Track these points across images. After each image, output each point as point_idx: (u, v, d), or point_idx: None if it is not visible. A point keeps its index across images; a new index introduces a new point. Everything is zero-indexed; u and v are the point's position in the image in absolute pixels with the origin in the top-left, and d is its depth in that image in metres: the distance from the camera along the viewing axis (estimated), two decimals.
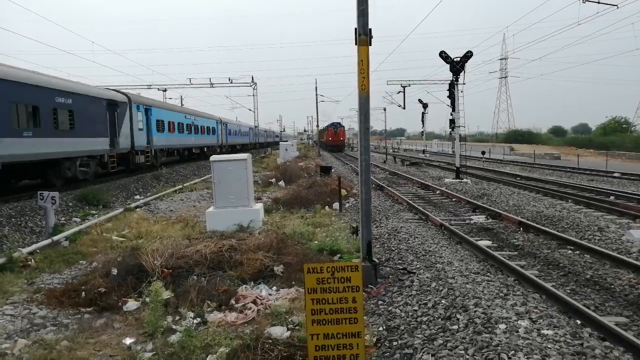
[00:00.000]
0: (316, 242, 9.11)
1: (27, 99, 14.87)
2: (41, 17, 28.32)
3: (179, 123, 32.32)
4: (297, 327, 5.39)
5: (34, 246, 9.56)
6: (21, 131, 14.45)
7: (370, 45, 6.80)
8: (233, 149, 49.30)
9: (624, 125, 79.75)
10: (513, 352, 4.38)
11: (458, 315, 5.39)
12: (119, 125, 21.86)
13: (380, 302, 6.32)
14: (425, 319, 5.50)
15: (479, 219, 12.49)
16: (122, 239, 10.43)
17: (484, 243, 9.46)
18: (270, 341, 4.82)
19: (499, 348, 4.47)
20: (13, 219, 11.89)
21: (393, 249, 9.03)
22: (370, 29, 6.77)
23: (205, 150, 40.11)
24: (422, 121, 55.66)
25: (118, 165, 22.24)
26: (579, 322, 5.48)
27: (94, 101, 19.74)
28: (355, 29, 6.77)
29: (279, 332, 5.24)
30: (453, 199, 16.20)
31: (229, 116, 57.09)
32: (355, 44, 6.79)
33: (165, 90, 45.60)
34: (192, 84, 42.98)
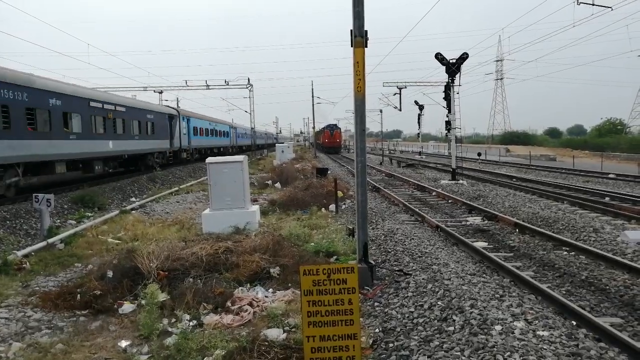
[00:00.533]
0: (312, 243, 9.09)
1: (138, 118, 25.45)
2: (37, 19, 28.44)
3: (206, 129, 41.14)
4: (293, 329, 5.39)
5: (28, 249, 9.51)
6: (134, 136, 24.80)
7: (366, 47, 6.79)
8: (240, 149, 56.77)
9: (619, 127, 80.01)
10: (509, 353, 4.39)
11: (454, 317, 5.39)
12: (173, 131, 31.79)
13: (376, 304, 6.31)
14: (421, 320, 5.50)
15: (475, 220, 12.51)
16: (117, 241, 10.39)
17: (480, 244, 9.48)
18: (267, 343, 4.82)
19: (495, 349, 4.48)
20: (8, 222, 11.83)
21: (389, 250, 9.04)
22: (366, 31, 6.76)
23: (222, 149, 46.89)
24: (418, 123, 55.71)
25: (173, 159, 32.43)
26: (574, 323, 5.50)
27: (162, 116, 30.12)
28: (351, 30, 6.77)
29: (275, 334, 5.23)
30: (449, 201, 16.22)
31: (225, 118, 57.64)
32: (351, 46, 6.79)
33: (161, 92, 45.38)
34: (188, 86, 42.91)
